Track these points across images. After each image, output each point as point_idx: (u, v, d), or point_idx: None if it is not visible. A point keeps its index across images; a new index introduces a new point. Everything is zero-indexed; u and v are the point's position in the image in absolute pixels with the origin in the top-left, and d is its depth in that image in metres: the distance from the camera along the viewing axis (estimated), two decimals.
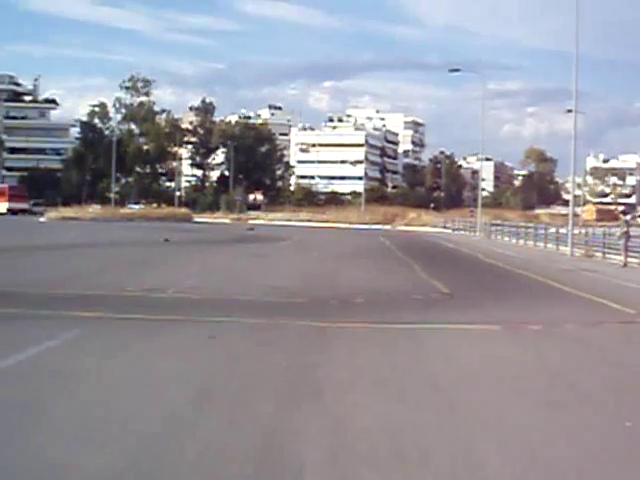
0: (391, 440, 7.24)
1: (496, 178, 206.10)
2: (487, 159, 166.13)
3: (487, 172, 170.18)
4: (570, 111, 47.95)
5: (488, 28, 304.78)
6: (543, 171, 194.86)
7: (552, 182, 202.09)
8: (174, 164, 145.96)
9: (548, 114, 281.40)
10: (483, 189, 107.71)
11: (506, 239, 63.09)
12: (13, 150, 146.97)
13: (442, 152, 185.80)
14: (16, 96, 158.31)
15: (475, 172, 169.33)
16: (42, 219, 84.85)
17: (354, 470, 6.41)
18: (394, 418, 8.03)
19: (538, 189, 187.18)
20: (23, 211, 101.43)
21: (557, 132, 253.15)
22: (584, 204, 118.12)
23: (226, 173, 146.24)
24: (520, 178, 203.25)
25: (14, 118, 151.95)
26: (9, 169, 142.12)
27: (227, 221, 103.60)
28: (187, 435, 7.27)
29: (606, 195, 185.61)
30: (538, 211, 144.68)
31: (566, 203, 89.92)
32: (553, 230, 55.00)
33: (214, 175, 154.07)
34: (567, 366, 11.45)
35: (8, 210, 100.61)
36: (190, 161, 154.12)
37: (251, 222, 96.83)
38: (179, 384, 9.41)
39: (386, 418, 8.02)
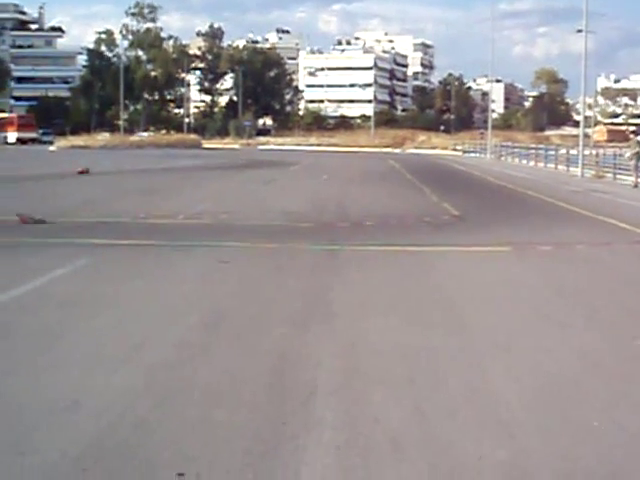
0: (403, 362, 7.29)
1: (506, 100, 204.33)
2: (497, 80, 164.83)
3: (497, 94, 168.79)
4: (580, 31, 47.28)
5: None
6: (554, 92, 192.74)
7: (563, 103, 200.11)
8: (182, 90, 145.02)
9: (560, 34, 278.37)
10: (493, 111, 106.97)
11: (516, 161, 62.90)
12: (20, 79, 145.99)
13: (451, 74, 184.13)
14: (21, 25, 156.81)
15: (485, 94, 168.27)
16: (52, 148, 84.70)
17: (367, 391, 6.51)
18: (406, 340, 8.07)
19: (549, 110, 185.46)
20: (32, 140, 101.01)
21: (568, 53, 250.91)
22: (595, 125, 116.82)
23: (235, 98, 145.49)
24: (530, 99, 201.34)
25: (20, 47, 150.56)
26: (17, 98, 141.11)
27: (237, 146, 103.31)
28: (201, 358, 7.35)
29: (617, 116, 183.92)
30: (548, 132, 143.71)
31: (577, 124, 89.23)
32: (563, 151, 54.72)
33: (223, 101, 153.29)
34: (577, 286, 11.51)
35: (17, 140, 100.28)
36: (198, 87, 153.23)
37: (260, 147, 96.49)
38: (192, 308, 9.45)
39: (398, 340, 8.05)
